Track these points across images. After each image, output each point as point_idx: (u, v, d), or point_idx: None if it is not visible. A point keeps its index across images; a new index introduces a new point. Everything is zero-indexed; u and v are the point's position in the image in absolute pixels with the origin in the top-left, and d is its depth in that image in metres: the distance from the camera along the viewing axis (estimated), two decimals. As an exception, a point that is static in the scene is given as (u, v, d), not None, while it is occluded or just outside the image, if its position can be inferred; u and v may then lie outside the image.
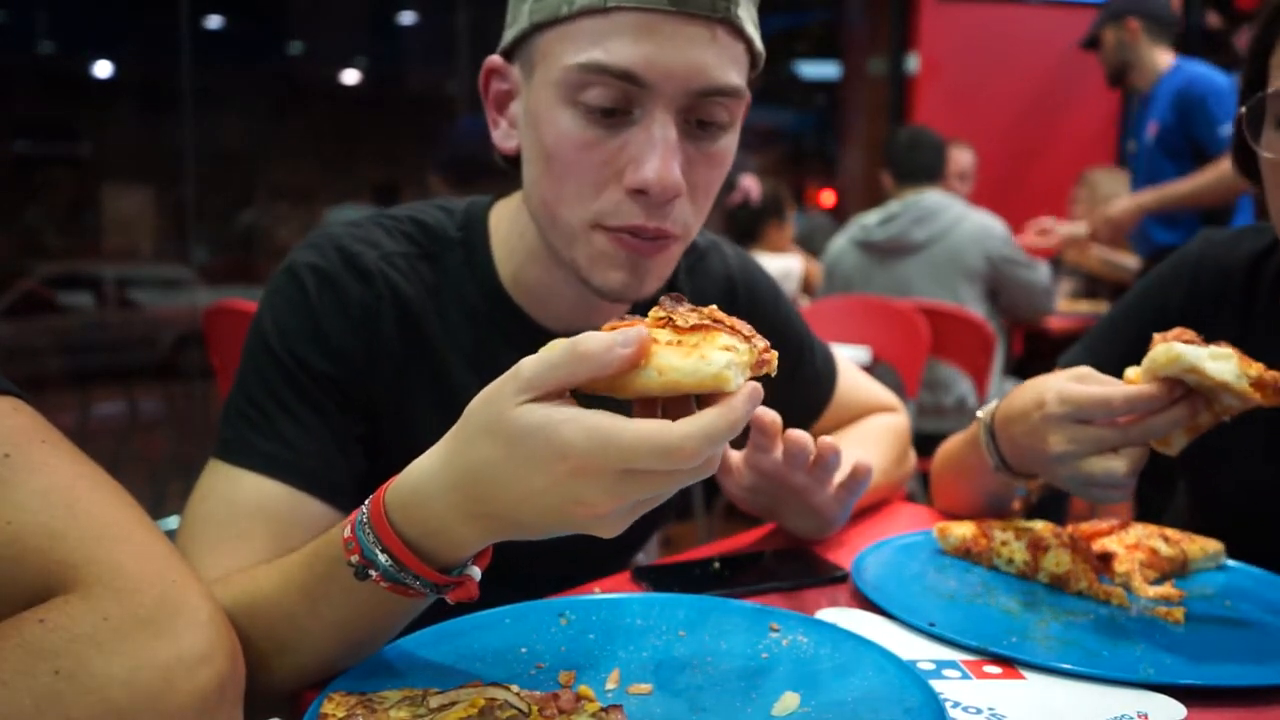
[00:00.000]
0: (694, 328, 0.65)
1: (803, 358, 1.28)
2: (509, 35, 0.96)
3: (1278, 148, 1.05)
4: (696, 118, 0.91)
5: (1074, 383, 1.00)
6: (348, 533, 0.71)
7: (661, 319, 0.67)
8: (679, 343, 0.64)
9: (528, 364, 0.64)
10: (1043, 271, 3.48)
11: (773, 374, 0.68)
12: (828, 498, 1.05)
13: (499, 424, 0.64)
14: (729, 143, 0.96)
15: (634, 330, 0.63)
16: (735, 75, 0.91)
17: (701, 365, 0.62)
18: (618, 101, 0.89)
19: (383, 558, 0.69)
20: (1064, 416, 0.98)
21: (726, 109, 0.92)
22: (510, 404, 0.64)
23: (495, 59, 0.99)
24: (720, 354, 0.63)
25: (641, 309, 1.13)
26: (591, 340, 0.62)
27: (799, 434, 0.99)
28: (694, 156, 0.93)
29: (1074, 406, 0.98)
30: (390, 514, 0.70)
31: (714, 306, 0.68)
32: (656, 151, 0.89)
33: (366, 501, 0.72)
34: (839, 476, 1.05)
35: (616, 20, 0.87)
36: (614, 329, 0.65)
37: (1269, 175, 1.08)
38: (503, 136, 1.01)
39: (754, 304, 1.23)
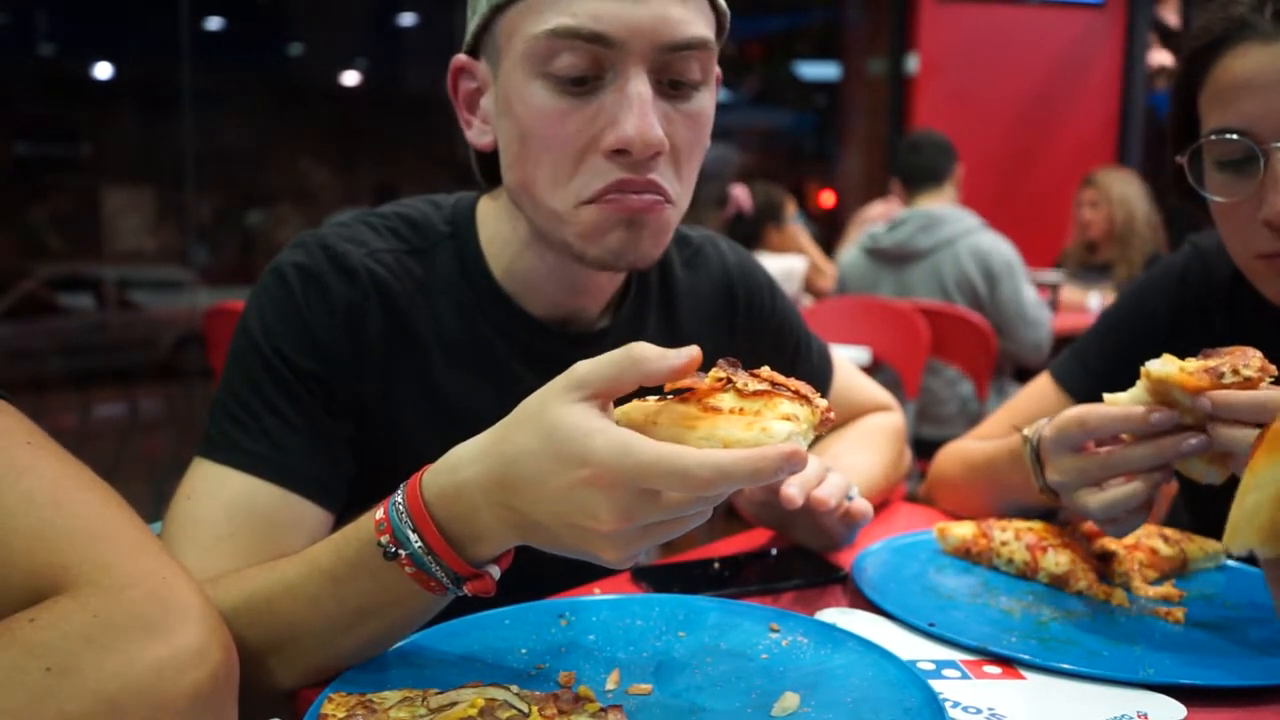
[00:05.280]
0: (756, 394, 0.67)
1: (798, 355, 1.28)
2: (471, 29, 0.96)
3: (1223, 189, 1.04)
4: (669, 77, 0.91)
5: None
6: (380, 514, 0.73)
7: (721, 380, 0.68)
8: (741, 410, 0.66)
9: (581, 364, 0.67)
10: (1043, 322, 3.31)
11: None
12: (835, 522, 1.06)
13: (541, 415, 0.67)
14: (705, 101, 0.95)
15: (688, 348, 0.66)
16: (703, 27, 0.91)
17: (764, 438, 0.64)
18: (588, 67, 0.89)
19: (413, 537, 0.71)
20: (1055, 443, 0.97)
21: (698, 63, 0.92)
22: (557, 399, 0.67)
23: (461, 58, 0.99)
24: (782, 425, 0.65)
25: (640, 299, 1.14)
26: (645, 347, 0.66)
27: (824, 500, 1.00)
28: (672, 116, 0.92)
29: (1057, 430, 0.97)
30: (425, 492, 0.72)
31: (770, 370, 0.70)
32: (633, 109, 0.88)
33: (403, 483, 0.74)
34: (846, 505, 1.05)
35: None
36: (672, 387, 0.68)
37: (1219, 218, 1.07)
38: (477, 134, 1.01)
39: (750, 299, 1.23)
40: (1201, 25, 1.04)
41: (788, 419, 0.65)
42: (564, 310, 1.06)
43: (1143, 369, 0.92)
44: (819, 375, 1.31)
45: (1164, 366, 0.91)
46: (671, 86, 0.92)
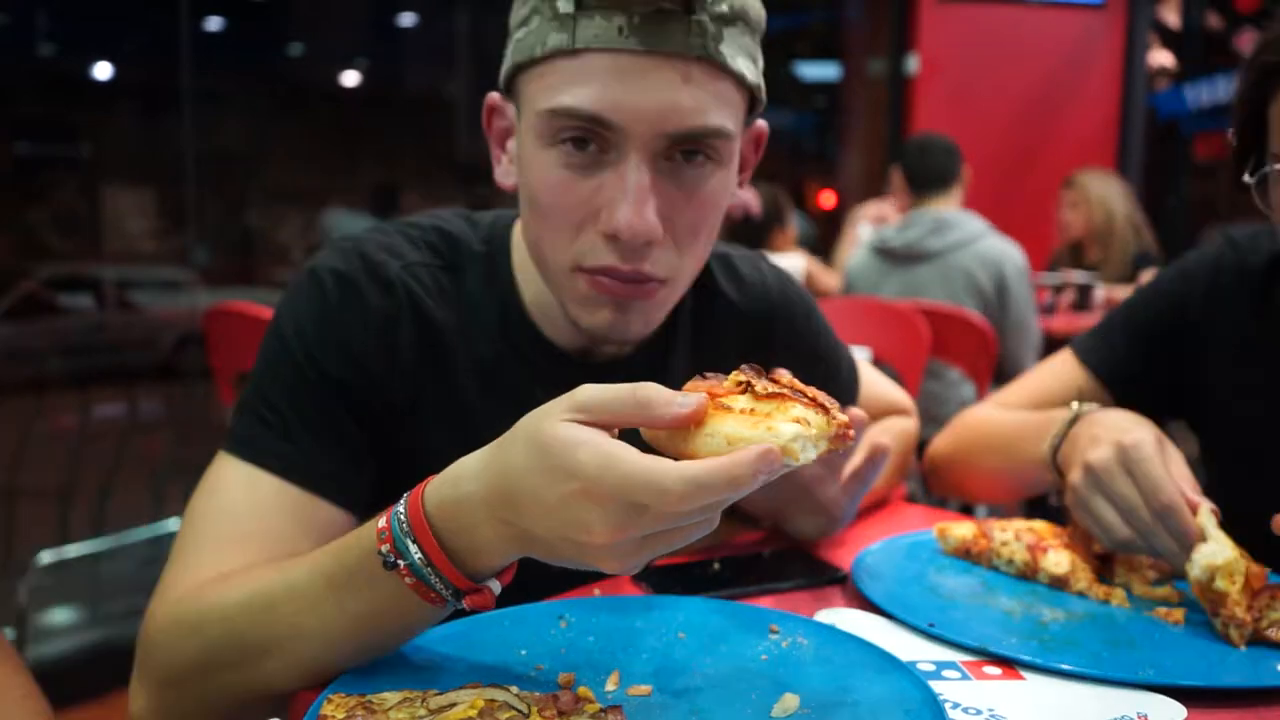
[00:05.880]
0: (771, 396, 0.66)
1: (828, 374, 1.26)
2: (503, 71, 0.96)
3: None
4: (676, 158, 0.90)
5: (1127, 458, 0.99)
6: (382, 523, 0.73)
7: (741, 384, 0.68)
8: (753, 411, 0.65)
9: (587, 389, 0.66)
10: (1038, 330, 3.39)
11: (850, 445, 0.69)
12: (836, 492, 1.05)
13: (537, 432, 0.66)
14: (716, 182, 0.93)
15: (695, 395, 0.65)
16: (716, 115, 0.89)
17: (768, 437, 0.63)
18: (590, 145, 0.89)
19: (413, 549, 0.71)
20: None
21: (710, 150, 0.91)
22: (554, 417, 0.66)
23: (494, 96, 1.00)
24: (789, 426, 0.63)
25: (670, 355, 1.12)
26: (653, 390, 0.65)
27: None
28: (675, 198, 0.91)
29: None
30: (427, 506, 0.72)
31: (791, 376, 0.69)
32: (628, 198, 0.88)
33: (405, 494, 0.74)
34: (852, 464, 1.04)
35: (586, 62, 0.86)
36: (693, 388, 0.67)
37: None
38: (503, 174, 1.02)
39: (791, 327, 1.21)
40: (1274, 39, 1.03)
41: (798, 422, 0.64)
42: (584, 341, 1.06)
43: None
44: (846, 389, 1.30)
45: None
46: (680, 165, 0.91)
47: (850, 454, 1.03)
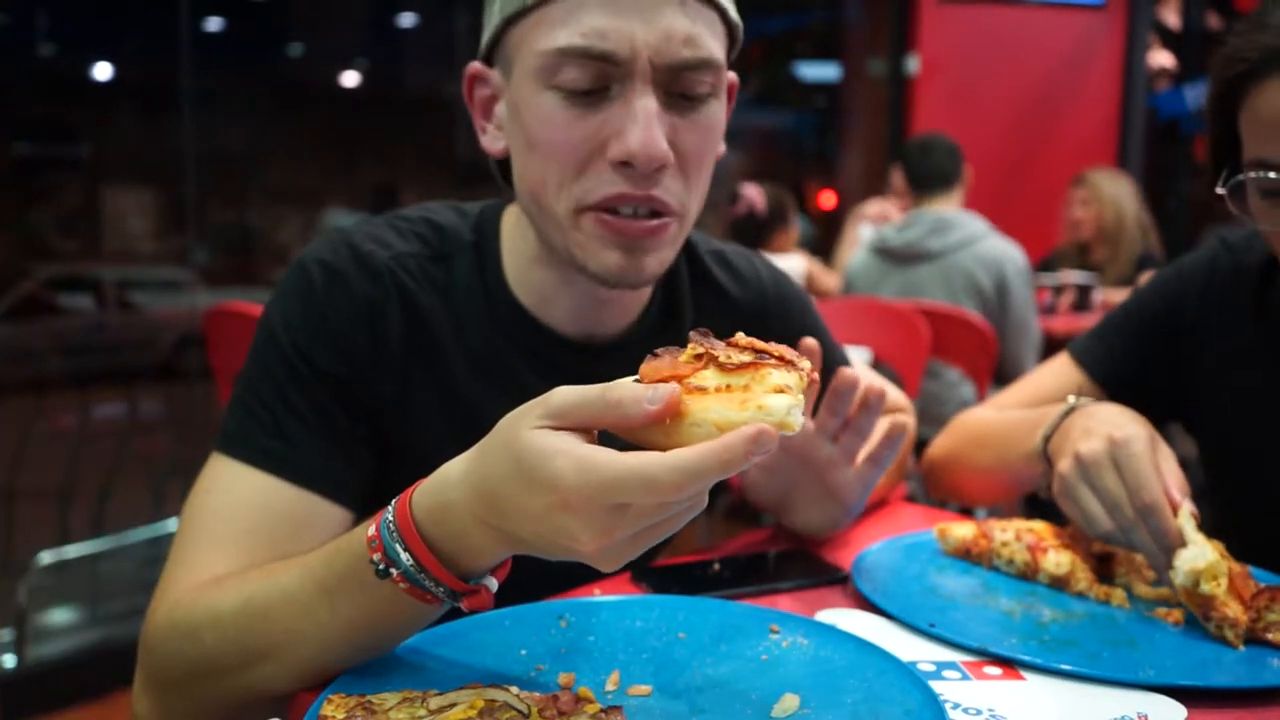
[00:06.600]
0: (740, 367, 0.63)
1: (821, 369, 1.26)
2: (485, 38, 0.98)
3: (1269, 217, 1.05)
4: (678, 90, 0.91)
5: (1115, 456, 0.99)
6: (372, 530, 0.72)
7: (700, 356, 0.65)
8: (728, 387, 0.63)
9: (560, 392, 0.65)
10: (1038, 331, 3.41)
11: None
12: (849, 477, 1.04)
13: (512, 441, 0.65)
14: (715, 112, 0.95)
15: (665, 388, 0.62)
16: (709, 44, 0.92)
17: (759, 417, 0.60)
18: (594, 81, 0.89)
19: (405, 556, 0.70)
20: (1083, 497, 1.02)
21: (707, 78, 0.92)
22: (528, 424, 0.65)
23: (475, 65, 1.01)
24: (778, 399, 0.61)
25: (664, 329, 1.12)
26: (623, 389, 0.63)
27: (849, 371, 0.97)
28: (679, 125, 0.92)
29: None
30: (415, 513, 0.71)
31: (745, 336, 0.67)
32: (638, 122, 0.89)
33: (394, 500, 0.73)
34: (868, 447, 1.03)
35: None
36: (652, 370, 0.64)
37: (1270, 241, 1.08)
38: (491, 140, 1.02)
39: (786, 324, 1.21)
40: (1235, 52, 1.02)
41: (780, 390, 0.62)
42: (582, 324, 1.06)
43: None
44: None
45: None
46: (680, 99, 0.92)
47: (865, 437, 1.02)
